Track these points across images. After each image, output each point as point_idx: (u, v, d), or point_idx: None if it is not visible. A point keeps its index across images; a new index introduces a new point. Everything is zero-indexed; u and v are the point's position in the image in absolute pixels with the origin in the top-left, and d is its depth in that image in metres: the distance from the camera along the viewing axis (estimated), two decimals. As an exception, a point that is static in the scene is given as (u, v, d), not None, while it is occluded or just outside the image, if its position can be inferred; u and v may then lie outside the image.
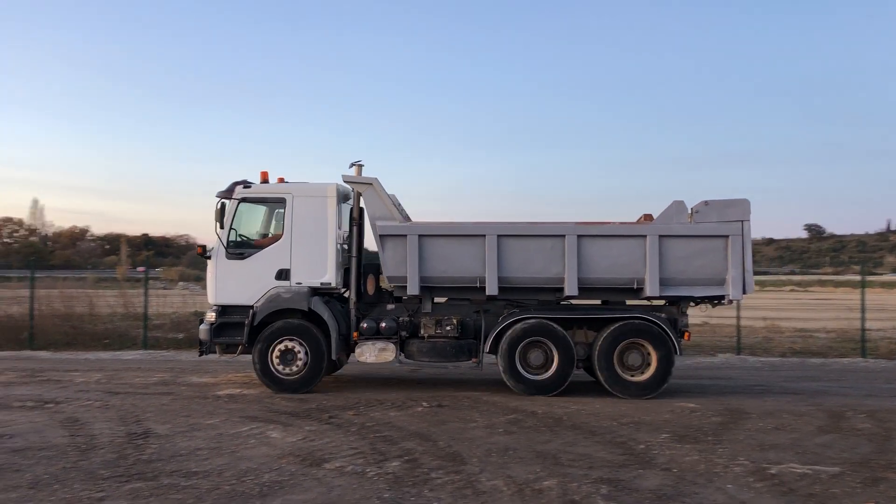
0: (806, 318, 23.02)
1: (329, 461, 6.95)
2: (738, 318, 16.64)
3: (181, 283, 39.97)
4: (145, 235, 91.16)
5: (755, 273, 11.06)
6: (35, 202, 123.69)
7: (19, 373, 12.94)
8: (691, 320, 11.53)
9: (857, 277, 23.43)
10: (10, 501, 5.75)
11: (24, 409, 9.58)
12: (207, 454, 7.20)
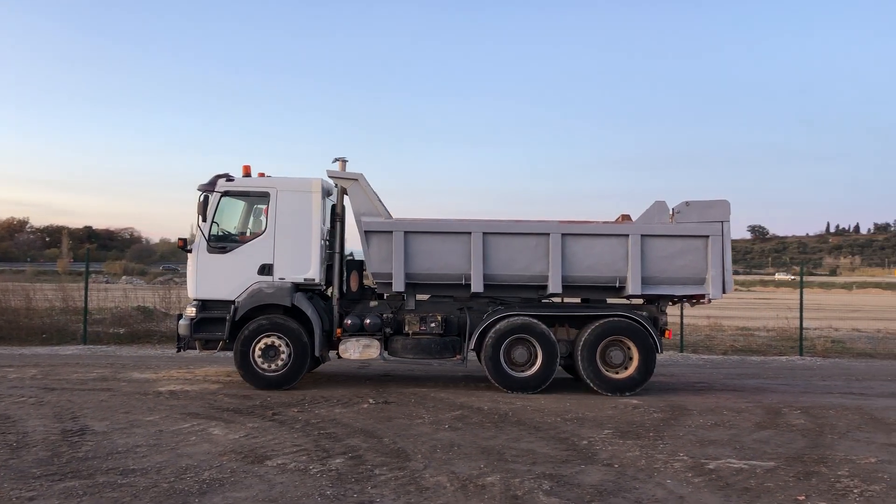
0: (748, 316, 23.60)
1: (271, 458, 6.86)
2: (682, 315, 16.94)
3: (125, 277, 39.14)
4: (88, 228, 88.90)
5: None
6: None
7: (-50, 368, 12.49)
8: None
9: (797, 277, 24.06)
10: (-66, 501, 5.54)
11: (-46, 405, 9.24)
12: (146, 451, 7.04)
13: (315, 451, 7.16)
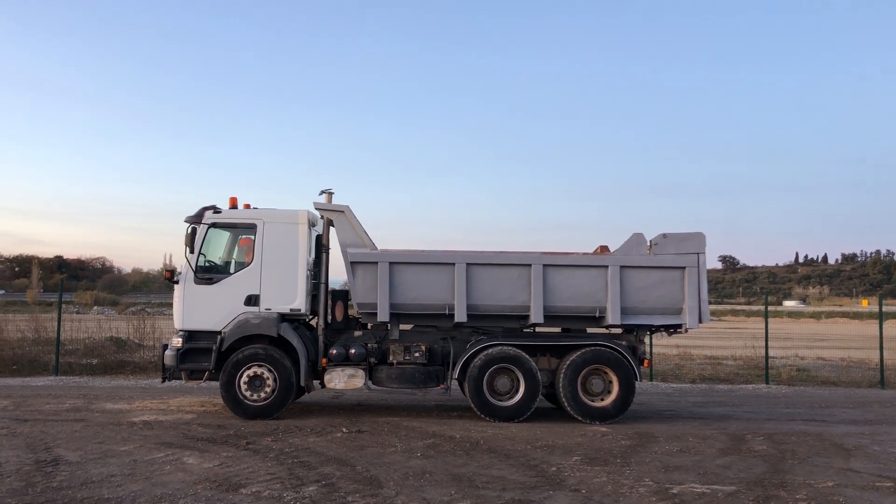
0: (716, 345, 23.92)
1: (245, 486, 6.96)
2: (651, 344, 17.21)
3: (96, 308, 38.76)
4: (59, 258, 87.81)
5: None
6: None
7: (-81, 400, 12.38)
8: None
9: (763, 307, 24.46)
10: None
11: (-75, 437, 9.20)
12: (121, 481, 7.10)
13: (289, 479, 7.27)
